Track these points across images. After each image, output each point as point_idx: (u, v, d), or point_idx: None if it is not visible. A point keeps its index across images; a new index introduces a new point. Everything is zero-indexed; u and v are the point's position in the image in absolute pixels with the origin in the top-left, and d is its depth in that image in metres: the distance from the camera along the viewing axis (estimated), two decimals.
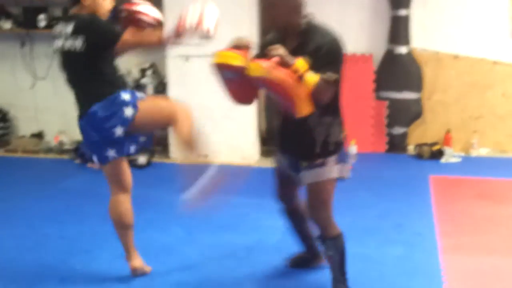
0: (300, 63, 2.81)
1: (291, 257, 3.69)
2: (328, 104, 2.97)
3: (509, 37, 6.39)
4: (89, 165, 6.14)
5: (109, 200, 3.50)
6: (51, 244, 4.07)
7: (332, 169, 3.09)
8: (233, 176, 5.71)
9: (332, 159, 3.08)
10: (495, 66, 6.46)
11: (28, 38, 6.89)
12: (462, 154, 6.50)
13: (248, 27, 6.03)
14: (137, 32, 3.20)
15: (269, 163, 6.17)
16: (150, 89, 6.61)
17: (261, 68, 2.80)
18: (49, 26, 6.63)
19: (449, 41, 6.51)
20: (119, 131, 3.24)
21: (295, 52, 2.86)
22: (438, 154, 6.30)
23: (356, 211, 4.64)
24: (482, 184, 5.37)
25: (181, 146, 3.47)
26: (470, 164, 6.14)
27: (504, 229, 4.23)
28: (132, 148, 3.42)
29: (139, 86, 6.62)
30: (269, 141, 6.50)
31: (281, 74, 2.79)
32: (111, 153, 3.33)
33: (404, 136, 6.60)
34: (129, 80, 6.63)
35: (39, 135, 7.13)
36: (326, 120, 3.03)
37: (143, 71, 6.69)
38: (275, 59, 2.81)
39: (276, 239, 4.09)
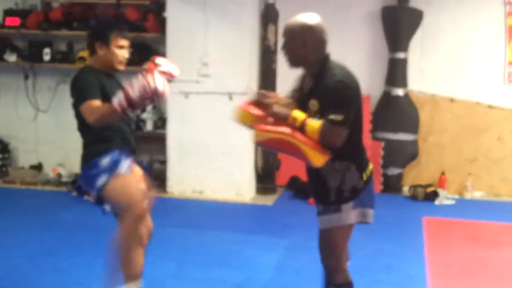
0: (297, 113, 2.76)
1: None
2: (342, 148, 2.78)
3: (503, 82, 6.50)
4: (85, 197, 6.18)
5: None
6: (45, 277, 4.07)
7: (347, 216, 2.92)
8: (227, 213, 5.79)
9: (348, 206, 2.91)
10: (490, 110, 6.56)
11: (32, 71, 7.01)
12: (456, 196, 6.56)
13: (247, 66, 6.16)
14: (96, 108, 3.10)
15: (263, 201, 6.25)
16: (149, 124, 6.70)
17: (257, 133, 2.80)
18: (53, 60, 6.78)
19: (445, 84, 6.63)
20: (93, 195, 3.28)
21: (310, 94, 2.85)
22: (433, 195, 6.35)
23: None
24: (475, 227, 5.40)
25: (116, 243, 3.32)
26: (464, 206, 6.19)
27: (494, 273, 4.26)
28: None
29: (139, 121, 6.72)
30: (264, 178, 6.56)
31: (272, 134, 2.76)
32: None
33: (399, 177, 6.66)
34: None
35: (38, 167, 7.19)
36: (340, 166, 2.88)
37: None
38: (270, 118, 2.80)
39: (268, 276, 4.11)
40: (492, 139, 6.59)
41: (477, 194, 6.60)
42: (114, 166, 3.20)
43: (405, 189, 6.63)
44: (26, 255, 4.51)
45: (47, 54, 6.78)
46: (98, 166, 3.20)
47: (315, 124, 2.72)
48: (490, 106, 6.56)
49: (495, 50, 6.51)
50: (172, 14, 6.21)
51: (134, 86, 2.93)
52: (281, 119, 2.78)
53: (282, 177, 6.73)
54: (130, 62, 6.65)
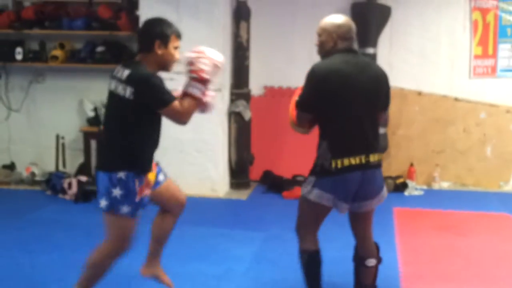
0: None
1: None
2: (319, 126, 3.27)
3: (469, 76, 6.70)
4: (60, 196, 6.22)
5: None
6: (23, 273, 4.12)
7: (306, 189, 3.28)
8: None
9: (311, 179, 3.25)
10: (456, 103, 6.75)
11: (4, 71, 6.98)
12: (425, 187, 6.76)
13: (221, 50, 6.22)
14: (184, 101, 3.17)
15: (238, 195, 6.35)
16: None
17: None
18: (26, 59, 6.77)
19: (413, 78, 6.80)
20: (101, 203, 3.22)
21: None
22: (402, 187, 6.53)
23: (322, 242, 4.78)
24: (443, 216, 5.59)
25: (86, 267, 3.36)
26: (432, 196, 6.38)
27: (461, 259, 4.43)
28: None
29: None
30: (238, 173, 6.66)
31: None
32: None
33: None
34: (103, 113, 6.73)
35: (10, 166, 7.17)
36: (319, 141, 3.27)
37: None
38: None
39: (246, 267, 4.22)
40: (458, 131, 6.78)
41: (445, 185, 6.81)
42: (120, 203, 3.16)
43: None
44: (3, 253, 4.52)
45: (19, 53, 6.75)
46: (110, 190, 3.13)
47: (292, 102, 3.30)
48: (456, 99, 6.75)
49: (461, 44, 6.69)
50: (145, 12, 6.23)
51: (200, 68, 3.13)
52: None
53: (255, 171, 6.84)
54: (103, 60, 6.78)
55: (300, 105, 3.25)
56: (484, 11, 6.61)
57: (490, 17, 6.61)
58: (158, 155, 6.37)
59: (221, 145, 6.35)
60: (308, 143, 6.71)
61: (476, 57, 6.68)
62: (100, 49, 6.70)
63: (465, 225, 5.32)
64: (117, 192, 3.11)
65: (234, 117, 6.50)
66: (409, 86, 6.82)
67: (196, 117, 6.20)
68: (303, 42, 6.80)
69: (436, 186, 6.75)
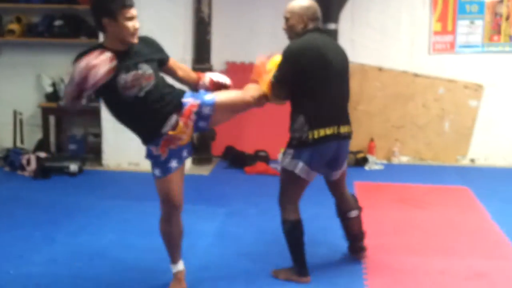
0: (274, 61, 3.52)
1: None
2: (294, 101, 3.51)
3: (428, 52, 6.78)
4: (19, 172, 6.11)
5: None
6: None
7: (286, 160, 3.53)
8: None
9: (289, 152, 3.51)
10: (416, 78, 6.83)
11: None
12: (385, 161, 6.86)
13: (182, 37, 6.16)
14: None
15: (200, 171, 6.34)
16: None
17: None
18: None
19: (373, 54, 6.84)
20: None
21: None
22: (362, 161, 6.62)
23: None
24: (402, 190, 5.69)
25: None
26: (392, 171, 6.49)
27: (421, 231, 4.52)
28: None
29: None
30: (200, 149, 6.63)
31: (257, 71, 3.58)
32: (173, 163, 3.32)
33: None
34: (62, 88, 6.61)
35: None
36: (292, 116, 3.51)
37: None
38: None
39: (209, 242, 4.24)
40: (418, 106, 6.88)
41: (404, 159, 6.92)
42: (153, 169, 3.31)
43: None
44: None
45: None
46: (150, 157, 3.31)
47: (268, 78, 3.45)
48: (415, 75, 6.83)
49: (420, 20, 6.75)
50: None
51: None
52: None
53: (217, 147, 6.83)
54: (61, 34, 6.63)
55: (279, 80, 3.41)
56: None
57: None
58: (119, 131, 6.31)
59: None
60: (270, 119, 6.74)
61: (436, 33, 6.76)
62: (58, 22, 6.56)
63: (424, 198, 5.42)
64: (150, 161, 3.31)
65: None
66: (370, 62, 6.87)
67: None
68: (265, 18, 6.78)
69: (395, 160, 6.86)
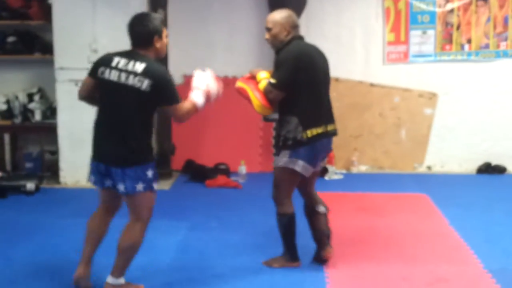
0: (260, 74, 3.88)
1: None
2: (286, 104, 3.78)
3: (383, 62, 6.90)
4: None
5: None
6: None
7: (283, 160, 3.80)
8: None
9: (286, 152, 3.79)
10: (372, 88, 6.95)
11: None
12: (344, 171, 6.93)
13: None
14: (186, 103, 3.43)
15: (160, 185, 6.27)
16: (38, 114, 6.52)
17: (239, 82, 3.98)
18: None
19: (330, 65, 6.88)
20: (120, 187, 3.42)
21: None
22: (322, 171, 6.66)
23: (246, 228, 4.86)
24: (362, 199, 5.76)
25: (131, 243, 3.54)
26: (351, 180, 6.57)
27: (381, 239, 4.58)
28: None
29: (26, 112, 6.51)
30: (160, 163, 6.58)
31: (240, 84, 3.93)
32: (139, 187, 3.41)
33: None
34: (16, 105, 6.50)
35: None
36: (285, 119, 3.78)
37: (30, 96, 6.57)
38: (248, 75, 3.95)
39: (171, 257, 4.20)
40: (375, 115, 6.99)
41: (363, 168, 7.01)
42: (152, 182, 3.44)
43: None
44: None
45: None
46: (145, 173, 3.39)
47: (262, 84, 3.81)
48: (371, 85, 6.94)
49: (374, 31, 6.87)
50: (57, 0, 6.06)
51: (210, 87, 3.49)
52: (252, 77, 3.93)
53: (177, 161, 6.80)
54: (14, 51, 6.53)
55: (279, 86, 3.73)
56: None
57: (401, 5, 6.82)
58: (76, 148, 6.23)
59: None
60: (230, 132, 6.76)
61: (389, 43, 6.89)
62: (11, 39, 6.45)
63: (384, 206, 5.50)
64: (150, 173, 3.41)
65: None
66: None
67: None
68: (221, 30, 6.82)
69: (354, 169, 6.94)
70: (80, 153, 6.22)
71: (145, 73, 3.27)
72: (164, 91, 3.31)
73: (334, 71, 6.82)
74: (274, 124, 4.15)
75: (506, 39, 6.77)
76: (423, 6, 6.79)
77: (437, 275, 3.85)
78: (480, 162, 6.91)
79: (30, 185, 5.94)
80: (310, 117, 3.76)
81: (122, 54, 3.43)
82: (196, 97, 3.44)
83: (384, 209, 5.39)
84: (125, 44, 5.96)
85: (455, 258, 4.19)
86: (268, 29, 3.89)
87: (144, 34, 3.37)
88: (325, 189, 6.06)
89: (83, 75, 5.96)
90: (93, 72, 3.47)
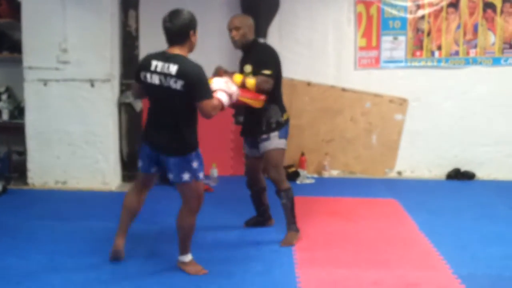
0: (236, 77, 4.36)
1: (248, 219, 4.98)
2: (270, 95, 4.41)
3: (354, 67, 6.93)
4: None
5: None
6: None
7: (276, 141, 4.48)
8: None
9: (274, 134, 4.49)
10: (343, 93, 6.97)
11: None
12: (316, 175, 6.94)
13: (109, 52, 6.05)
14: (216, 105, 3.74)
15: (127, 188, 6.18)
16: (5, 114, 6.40)
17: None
18: None
19: (302, 69, 6.94)
20: (171, 176, 3.86)
21: (243, 62, 4.58)
22: (294, 175, 6.67)
23: (219, 231, 4.83)
24: (334, 203, 5.76)
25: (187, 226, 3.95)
26: (323, 184, 6.58)
27: (352, 244, 4.59)
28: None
29: None
30: (130, 165, 6.51)
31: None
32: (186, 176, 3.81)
33: None
34: None
35: None
36: (269, 106, 4.46)
37: None
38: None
39: (139, 263, 4.14)
40: (346, 120, 7.02)
41: (334, 173, 7.03)
42: (197, 172, 3.82)
43: None
44: None
45: None
46: (190, 164, 3.78)
47: (251, 80, 4.36)
48: (343, 89, 6.97)
49: (346, 36, 6.90)
50: None
51: (230, 87, 3.84)
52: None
53: None
54: None
55: (273, 76, 4.39)
56: (367, 4, 6.86)
57: (373, 10, 6.87)
58: (44, 149, 6.14)
59: (111, 137, 6.17)
60: (201, 135, 6.69)
61: (361, 48, 6.93)
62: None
63: (354, 211, 5.51)
64: (195, 164, 3.80)
65: (125, 108, 6.35)
66: (299, 76, 6.96)
67: (85, 108, 6.05)
68: None
69: (326, 174, 6.96)
70: (48, 154, 6.14)
71: (178, 75, 3.59)
72: (195, 89, 3.61)
73: (306, 75, 6.95)
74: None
75: (475, 46, 6.86)
76: (394, 12, 6.84)
77: (407, 280, 3.87)
78: (449, 168, 6.99)
79: None
80: (282, 104, 4.60)
81: (158, 56, 3.74)
82: (222, 96, 3.77)
83: (355, 214, 5.40)
84: (96, 43, 5.98)
85: (425, 263, 4.22)
86: (237, 28, 4.50)
87: (181, 28, 3.69)
88: (296, 193, 6.03)
89: (52, 74, 6.03)
90: (137, 77, 3.82)
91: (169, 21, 3.71)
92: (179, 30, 3.69)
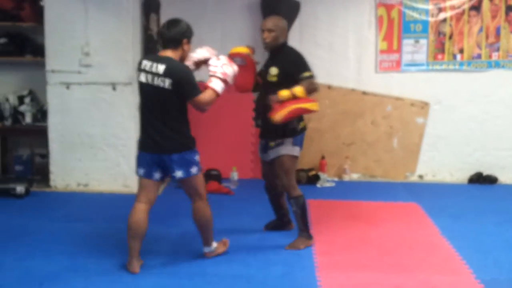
0: (283, 93, 4.22)
1: (268, 222, 4.96)
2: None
3: (375, 70, 6.91)
4: None
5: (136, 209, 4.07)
6: None
7: (289, 148, 4.43)
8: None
9: (288, 140, 4.43)
10: (364, 96, 6.95)
11: None
12: (336, 179, 6.92)
13: (130, 55, 6.08)
14: (205, 93, 3.90)
15: None
16: (28, 117, 6.47)
17: (275, 117, 4.26)
18: None
19: (323, 72, 6.89)
20: (179, 174, 3.96)
21: (269, 65, 4.52)
22: (314, 179, 6.66)
23: (239, 234, 4.82)
24: (354, 207, 5.74)
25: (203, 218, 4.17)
26: (343, 188, 6.56)
27: (373, 248, 4.56)
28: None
29: (16, 114, 6.47)
30: None
31: (286, 111, 4.23)
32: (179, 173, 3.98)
33: None
34: (7, 108, 6.46)
35: None
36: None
37: (21, 98, 6.53)
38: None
39: (162, 263, 4.16)
40: (367, 123, 6.99)
41: (355, 176, 7.00)
42: (199, 164, 4.04)
43: None
44: None
45: None
46: (194, 158, 3.99)
47: (298, 88, 4.24)
48: (364, 93, 6.95)
49: (367, 39, 6.89)
50: (50, 2, 6.01)
51: (225, 71, 3.93)
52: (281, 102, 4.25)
53: None
54: (5, 52, 6.48)
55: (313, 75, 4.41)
56: (388, 7, 6.84)
57: (394, 13, 6.84)
58: (67, 151, 6.20)
59: (133, 140, 6.20)
60: (222, 138, 6.73)
61: (382, 52, 6.91)
62: (2, 40, 6.41)
63: (375, 214, 5.48)
64: (197, 157, 4.02)
65: None
66: (319, 80, 6.82)
67: (106, 112, 6.08)
68: (213, 35, 6.79)
69: (346, 177, 6.93)
70: (70, 156, 6.20)
71: (165, 74, 3.76)
72: (183, 87, 3.79)
73: (327, 79, 6.93)
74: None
75: (498, 50, 6.80)
76: (416, 15, 6.81)
77: (429, 285, 3.84)
78: (471, 171, 6.93)
79: (20, 188, 5.88)
80: None
81: (149, 57, 3.97)
82: (215, 84, 3.90)
83: (375, 218, 5.37)
84: (118, 47, 6.02)
85: (447, 268, 4.18)
86: (269, 31, 4.45)
87: (176, 34, 3.88)
88: (317, 196, 6.09)
89: (74, 78, 6.09)
90: (137, 77, 3.97)
91: (166, 27, 3.93)
92: (174, 35, 3.88)
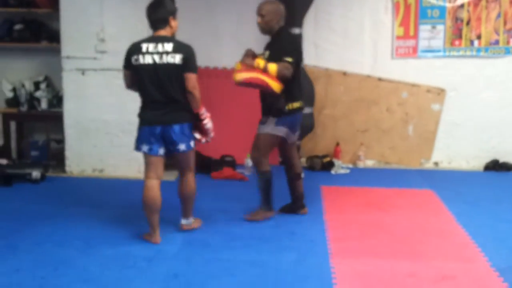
0: (259, 61, 4.40)
1: (283, 206, 5.01)
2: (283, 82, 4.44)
3: (391, 56, 6.85)
4: None
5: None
6: None
7: (269, 127, 4.60)
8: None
9: (271, 120, 4.59)
10: (380, 83, 6.90)
11: None
12: (350, 165, 6.91)
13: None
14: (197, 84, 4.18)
15: (166, 176, 6.24)
16: (44, 102, 6.51)
17: (236, 76, 4.49)
18: None
19: (338, 58, 6.89)
20: (182, 147, 4.21)
21: (267, 47, 4.68)
22: (329, 165, 6.64)
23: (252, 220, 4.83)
24: (368, 194, 5.72)
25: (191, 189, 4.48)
26: (358, 174, 6.53)
27: (386, 234, 4.55)
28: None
29: (32, 100, 6.51)
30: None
31: (248, 75, 4.43)
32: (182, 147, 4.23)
33: (297, 148, 6.88)
34: (23, 93, 6.50)
35: None
36: (275, 94, 4.48)
37: (36, 84, 6.57)
38: (243, 65, 4.47)
39: (176, 248, 4.18)
40: (382, 110, 6.95)
41: (369, 163, 6.98)
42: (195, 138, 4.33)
43: (303, 160, 6.87)
44: None
45: None
46: (191, 132, 4.25)
47: (273, 65, 4.38)
48: (379, 79, 6.90)
49: (383, 25, 6.83)
50: None
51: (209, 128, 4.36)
52: (250, 67, 4.43)
53: None
54: (21, 39, 6.51)
55: (294, 64, 4.47)
56: None
57: None
58: (82, 137, 6.23)
59: None
60: (236, 124, 6.72)
61: (398, 38, 6.85)
62: (18, 27, 6.44)
63: (390, 201, 5.46)
64: (192, 132, 4.27)
65: None
66: (334, 66, 6.92)
67: (121, 97, 6.08)
68: (228, 23, 6.79)
69: (361, 164, 6.91)
70: (86, 142, 6.23)
71: (175, 50, 4.05)
72: (189, 61, 4.09)
73: (342, 65, 6.89)
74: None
75: None
76: (433, 0, 6.73)
77: (443, 272, 3.82)
78: (487, 159, 6.88)
79: (36, 174, 5.93)
80: (294, 94, 4.59)
81: (146, 40, 4.17)
82: (205, 112, 4.30)
83: (390, 204, 5.35)
84: (133, 33, 5.99)
85: (462, 255, 4.16)
86: (261, 16, 4.58)
87: (161, 15, 4.12)
88: (331, 183, 6.08)
89: (90, 64, 6.09)
90: (127, 63, 4.20)
91: (152, 9, 4.17)
92: (161, 16, 4.14)
